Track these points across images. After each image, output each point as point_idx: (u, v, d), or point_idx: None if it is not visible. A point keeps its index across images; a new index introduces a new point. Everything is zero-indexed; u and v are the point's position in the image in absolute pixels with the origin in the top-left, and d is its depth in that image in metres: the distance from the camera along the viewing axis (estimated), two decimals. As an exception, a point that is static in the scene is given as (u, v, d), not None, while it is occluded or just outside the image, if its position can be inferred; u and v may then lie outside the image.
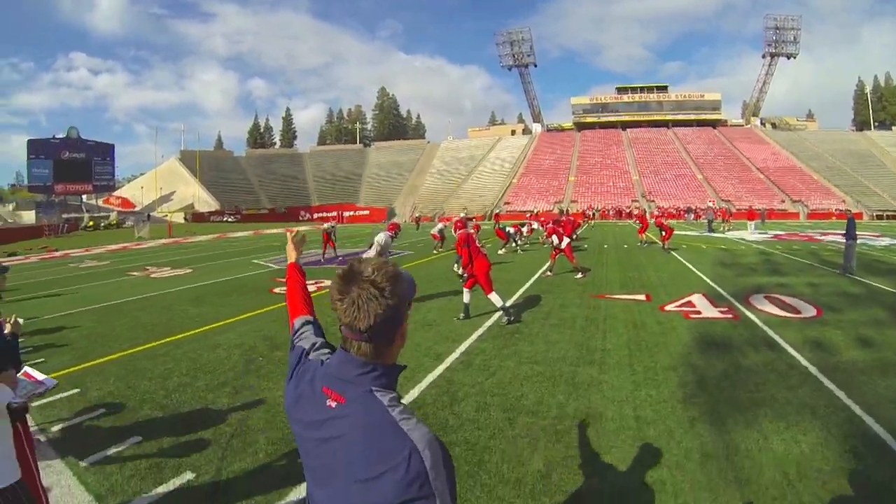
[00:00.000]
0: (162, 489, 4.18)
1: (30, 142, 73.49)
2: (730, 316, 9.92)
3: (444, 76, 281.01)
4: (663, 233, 22.63)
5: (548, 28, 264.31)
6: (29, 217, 64.28)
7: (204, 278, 16.75)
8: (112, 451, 4.83)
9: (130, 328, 9.89)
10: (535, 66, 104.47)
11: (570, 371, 6.82)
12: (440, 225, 25.68)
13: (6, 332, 3.54)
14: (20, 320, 3.74)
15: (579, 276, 14.71)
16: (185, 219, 75.10)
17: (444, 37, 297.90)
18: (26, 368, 3.52)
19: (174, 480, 4.30)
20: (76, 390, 6.45)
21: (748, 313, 10.10)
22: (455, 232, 12.87)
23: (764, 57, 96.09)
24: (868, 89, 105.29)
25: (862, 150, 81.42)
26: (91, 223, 64.41)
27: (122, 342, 8.79)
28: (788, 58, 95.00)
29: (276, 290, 13.81)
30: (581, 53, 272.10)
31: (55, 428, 5.40)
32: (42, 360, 7.80)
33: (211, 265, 21.03)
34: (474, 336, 8.64)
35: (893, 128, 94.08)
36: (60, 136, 75.43)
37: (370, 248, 11.11)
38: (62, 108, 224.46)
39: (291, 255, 2.48)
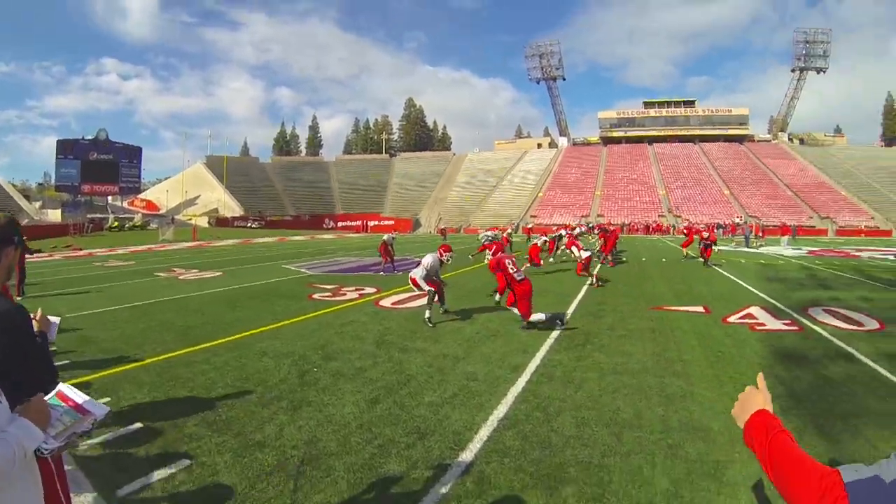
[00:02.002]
0: None
1: (59, 142, 74.01)
2: (795, 328, 9.76)
3: (470, 88, 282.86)
4: (704, 247, 22.27)
5: (575, 41, 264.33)
6: (55, 216, 64.46)
7: (235, 282, 16.33)
8: (156, 477, 4.16)
9: (162, 331, 9.37)
10: (564, 79, 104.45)
11: (658, 382, 6.69)
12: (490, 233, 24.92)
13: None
14: (53, 319, 2.83)
15: (593, 282, 15.32)
16: (210, 223, 75.52)
17: (470, 49, 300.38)
18: (62, 388, 2.43)
19: None
20: (107, 399, 5.74)
21: (812, 326, 9.94)
22: (490, 254, 13.08)
23: (793, 71, 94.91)
24: None
25: (891, 165, 79.89)
26: (116, 224, 64.83)
27: (154, 346, 8.26)
28: (818, 72, 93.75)
29: (315, 296, 13.48)
30: (608, 67, 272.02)
31: (84, 446, 4.60)
32: (67, 361, 7.32)
33: (240, 269, 20.83)
34: (545, 347, 8.50)
35: None
36: (89, 137, 76.07)
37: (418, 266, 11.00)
38: (92, 111, 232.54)
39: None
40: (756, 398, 1.63)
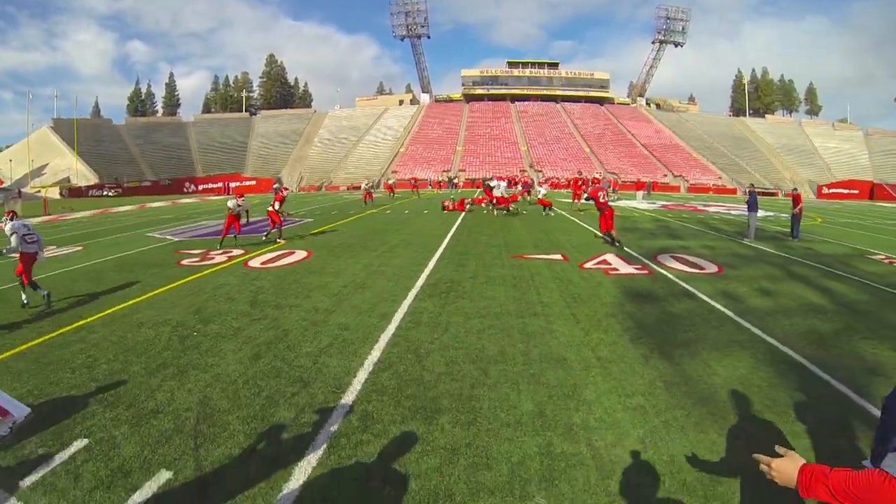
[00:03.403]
0: (138, 497, 3.66)
1: None
2: (645, 272, 10.94)
3: (334, 45, 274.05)
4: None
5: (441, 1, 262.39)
6: None
7: (98, 255, 15.24)
8: (56, 461, 4.11)
9: (28, 315, 8.53)
10: (429, 37, 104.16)
11: (519, 323, 7.35)
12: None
13: None
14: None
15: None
16: (62, 194, 68.13)
17: (334, 4, 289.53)
18: None
19: (149, 484, 3.79)
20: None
21: (660, 270, 11.20)
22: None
23: (654, 43, 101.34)
24: (746, 80, 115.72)
25: (737, 133, 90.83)
26: None
27: (22, 332, 7.59)
28: (676, 45, 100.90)
29: (184, 262, 13.06)
30: (474, 27, 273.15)
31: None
32: None
33: (101, 241, 19.22)
34: (410, 296, 8.95)
35: (767, 116, 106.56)
36: None
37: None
38: None
39: None
40: (788, 464, 1.84)
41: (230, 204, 15.41)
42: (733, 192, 63.84)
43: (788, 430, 4.35)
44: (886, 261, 13.28)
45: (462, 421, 4.53)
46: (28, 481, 3.87)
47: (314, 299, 8.86)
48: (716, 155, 79.86)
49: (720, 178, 70.27)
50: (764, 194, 57.31)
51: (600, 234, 15.11)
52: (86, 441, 4.39)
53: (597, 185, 22.29)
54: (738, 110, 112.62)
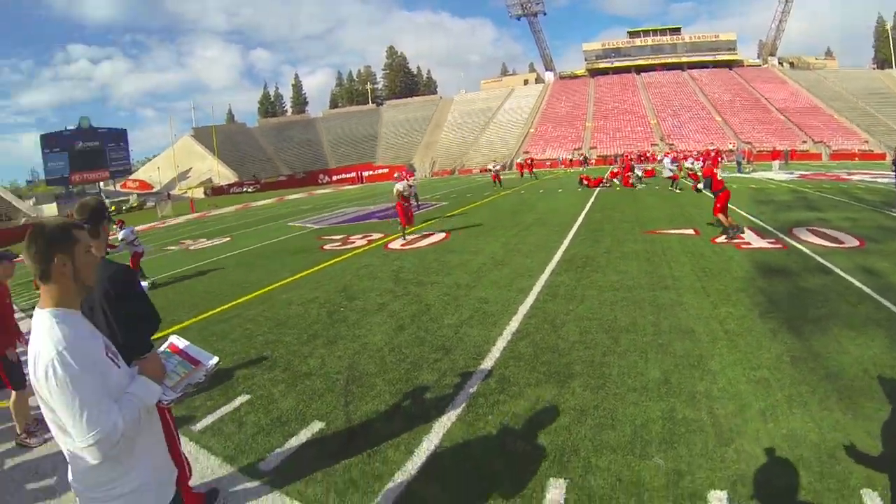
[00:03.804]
0: (294, 441, 4.17)
1: (43, 136, 72.36)
2: (779, 246, 10.48)
3: (449, 30, 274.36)
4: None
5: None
6: (51, 210, 62.26)
7: (245, 244, 16.69)
8: (222, 412, 4.77)
9: (189, 297, 9.77)
10: (545, 13, 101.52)
11: (650, 296, 7.47)
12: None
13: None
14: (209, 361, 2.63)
15: None
16: (206, 193, 73.59)
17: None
18: (172, 339, 2.52)
19: (304, 432, 4.31)
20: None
21: (795, 244, 10.64)
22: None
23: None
24: (889, 25, 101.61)
25: (883, 88, 78.62)
26: (113, 207, 62.85)
27: (187, 310, 8.62)
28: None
29: (326, 247, 14.07)
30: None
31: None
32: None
33: (247, 232, 21.08)
34: (547, 271, 9.29)
35: None
36: (72, 127, 74.28)
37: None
38: (67, 101, 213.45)
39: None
40: None
41: (399, 187, 14.31)
42: (882, 157, 57.09)
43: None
44: None
45: (592, 385, 4.83)
46: (199, 426, 4.57)
47: (455, 276, 9.41)
48: (860, 115, 69.81)
49: (867, 141, 62.06)
50: (918, 158, 51.54)
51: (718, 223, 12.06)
52: (248, 396, 5.07)
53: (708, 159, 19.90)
54: (882, 62, 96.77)
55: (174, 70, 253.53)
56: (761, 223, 13.27)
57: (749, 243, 10.84)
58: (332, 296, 8.71)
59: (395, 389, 5.02)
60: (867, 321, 6.17)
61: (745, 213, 15.10)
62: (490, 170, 35.19)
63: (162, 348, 2.48)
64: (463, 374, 5.28)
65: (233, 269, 12.24)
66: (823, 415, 4.17)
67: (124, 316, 2.93)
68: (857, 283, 7.71)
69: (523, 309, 7.25)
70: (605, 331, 6.20)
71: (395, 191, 14.37)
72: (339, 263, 11.50)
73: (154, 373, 2.20)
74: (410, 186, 13.79)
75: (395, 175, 21.18)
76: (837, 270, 8.48)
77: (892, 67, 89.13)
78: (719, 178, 12.48)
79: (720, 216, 11.74)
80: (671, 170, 24.95)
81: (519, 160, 50.61)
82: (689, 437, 3.94)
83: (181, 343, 2.57)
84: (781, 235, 11.55)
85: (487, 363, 5.49)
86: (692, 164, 27.04)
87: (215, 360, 2.59)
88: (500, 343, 6.03)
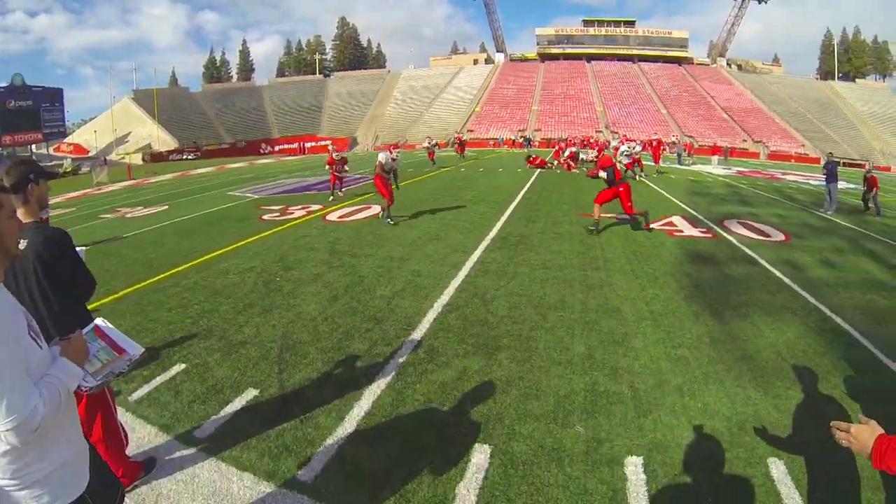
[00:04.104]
0: (230, 409, 4.17)
1: None
2: (709, 235, 10.83)
3: (405, 4, 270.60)
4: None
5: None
6: None
7: (184, 212, 16.05)
8: (158, 381, 4.67)
9: (124, 266, 9.15)
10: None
11: (581, 275, 7.59)
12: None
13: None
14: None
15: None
16: (144, 160, 69.77)
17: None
18: (98, 323, 2.39)
19: (239, 399, 4.30)
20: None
21: (725, 234, 11.03)
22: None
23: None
24: (836, 41, 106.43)
25: (824, 98, 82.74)
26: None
27: (120, 280, 8.13)
28: (760, 1, 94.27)
29: (265, 217, 13.66)
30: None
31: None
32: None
33: (186, 200, 20.25)
34: (481, 247, 9.28)
35: (857, 80, 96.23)
36: (3, 84, 68.00)
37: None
38: (0, 55, 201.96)
39: None
40: (865, 431, 1.76)
41: (381, 157, 12.34)
42: (816, 161, 59.98)
43: (826, 394, 4.42)
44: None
45: (518, 358, 4.89)
46: (135, 396, 4.44)
47: (389, 249, 9.31)
48: (800, 121, 73.63)
49: (803, 145, 65.46)
50: (850, 165, 54.10)
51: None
52: (184, 366, 4.96)
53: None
54: (826, 73, 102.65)
55: (118, 27, 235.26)
56: (694, 213, 13.65)
57: (681, 231, 11.14)
58: (268, 265, 8.51)
59: (327, 358, 5.01)
60: (784, 309, 6.49)
61: (680, 203, 15.52)
62: (427, 147, 33.99)
63: (86, 330, 2.30)
64: (393, 343, 5.27)
65: (170, 237, 11.68)
66: (737, 391, 4.36)
67: (57, 279, 2.82)
68: (779, 274, 8.08)
69: (455, 283, 7.24)
70: (534, 307, 6.25)
71: (377, 162, 13.36)
72: (277, 234, 11.23)
73: (76, 355, 2.04)
74: (394, 160, 12.77)
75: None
76: (762, 261, 8.84)
77: (834, 79, 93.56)
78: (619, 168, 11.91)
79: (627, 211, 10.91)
80: (627, 155, 25.19)
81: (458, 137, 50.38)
82: (609, 408, 4.06)
83: (106, 327, 2.41)
84: (713, 225, 11.92)
85: (417, 334, 5.48)
86: (630, 147, 27.43)
87: (140, 349, 2.44)
88: (431, 315, 6.03)
